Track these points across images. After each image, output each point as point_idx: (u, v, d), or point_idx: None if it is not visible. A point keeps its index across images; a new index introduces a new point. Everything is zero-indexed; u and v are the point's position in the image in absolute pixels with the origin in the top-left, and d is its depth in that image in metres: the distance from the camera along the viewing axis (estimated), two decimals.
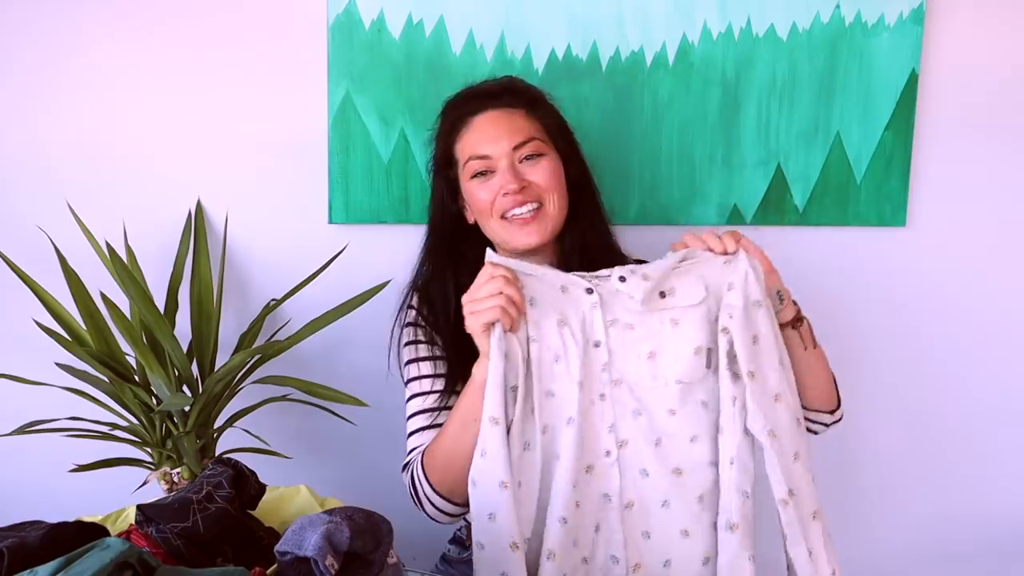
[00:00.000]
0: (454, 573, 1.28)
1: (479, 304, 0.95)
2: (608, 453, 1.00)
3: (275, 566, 0.80)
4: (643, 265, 1.01)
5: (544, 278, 0.99)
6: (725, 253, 1.01)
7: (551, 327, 0.99)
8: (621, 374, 1.00)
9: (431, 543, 1.35)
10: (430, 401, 1.12)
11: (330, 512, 0.83)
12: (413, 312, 1.19)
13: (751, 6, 1.37)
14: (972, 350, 1.53)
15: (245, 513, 0.94)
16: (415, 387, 1.14)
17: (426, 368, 1.14)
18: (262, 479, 0.98)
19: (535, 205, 1.10)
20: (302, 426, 1.42)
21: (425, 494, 1.05)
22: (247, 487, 0.94)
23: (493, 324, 0.96)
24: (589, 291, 0.99)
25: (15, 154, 1.38)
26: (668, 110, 1.40)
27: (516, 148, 1.09)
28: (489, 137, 1.10)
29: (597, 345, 0.99)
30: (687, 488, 1.01)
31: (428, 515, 1.07)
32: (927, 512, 1.59)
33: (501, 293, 0.95)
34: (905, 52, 1.39)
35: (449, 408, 1.10)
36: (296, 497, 1.07)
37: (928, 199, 1.46)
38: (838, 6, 1.37)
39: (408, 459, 1.11)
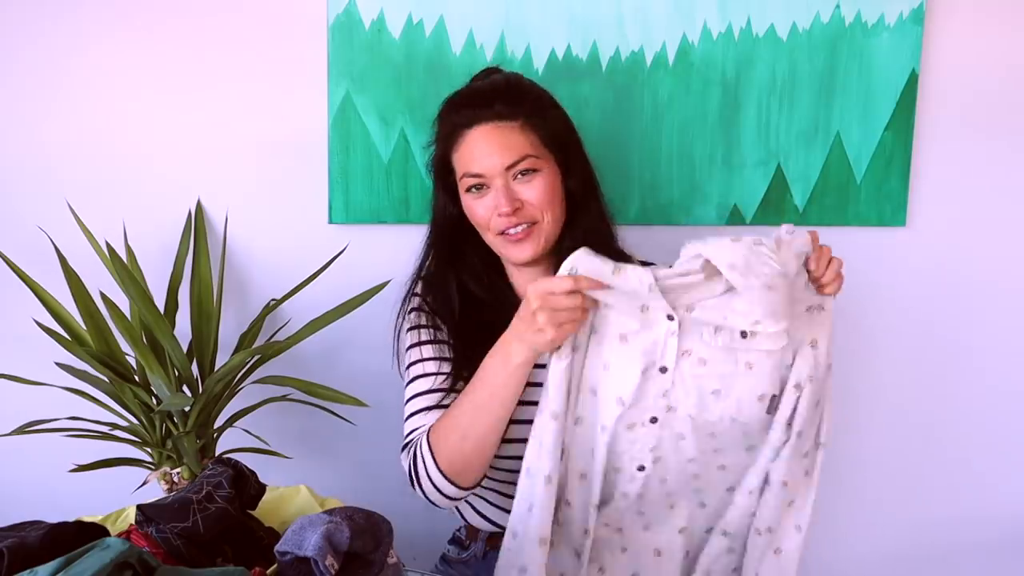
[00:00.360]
0: (454, 573, 1.28)
1: (558, 316, 0.91)
2: (642, 468, 1.01)
3: (275, 566, 0.81)
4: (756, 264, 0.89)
5: (628, 292, 0.92)
6: (819, 285, 0.96)
7: (613, 339, 0.95)
8: (678, 403, 0.97)
9: (431, 543, 1.35)
10: (435, 383, 1.11)
11: (330, 512, 0.83)
12: (417, 299, 1.19)
13: (751, 6, 1.37)
14: (972, 350, 1.53)
15: (245, 513, 0.94)
16: (417, 369, 1.13)
17: (429, 351, 1.14)
18: (262, 479, 0.98)
19: (529, 224, 1.10)
20: (302, 426, 1.42)
21: (428, 474, 1.03)
22: (247, 487, 0.94)
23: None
24: (670, 317, 0.93)
25: (15, 154, 1.38)
26: (668, 110, 1.40)
27: (509, 167, 1.08)
28: (482, 154, 1.08)
29: (664, 371, 0.95)
30: (696, 491, 1.05)
31: (425, 495, 1.05)
32: (926, 513, 1.59)
33: (579, 308, 0.91)
34: (905, 52, 1.39)
35: (456, 391, 1.09)
36: (296, 497, 1.07)
37: (928, 199, 1.46)
38: (838, 6, 1.37)
39: (409, 439, 1.09)
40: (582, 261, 0.90)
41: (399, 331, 1.21)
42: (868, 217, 1.44)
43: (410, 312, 1.19)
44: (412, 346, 1.16)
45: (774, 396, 0.97)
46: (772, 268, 0.89)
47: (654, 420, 0.98)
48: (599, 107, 1.39)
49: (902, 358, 1.53)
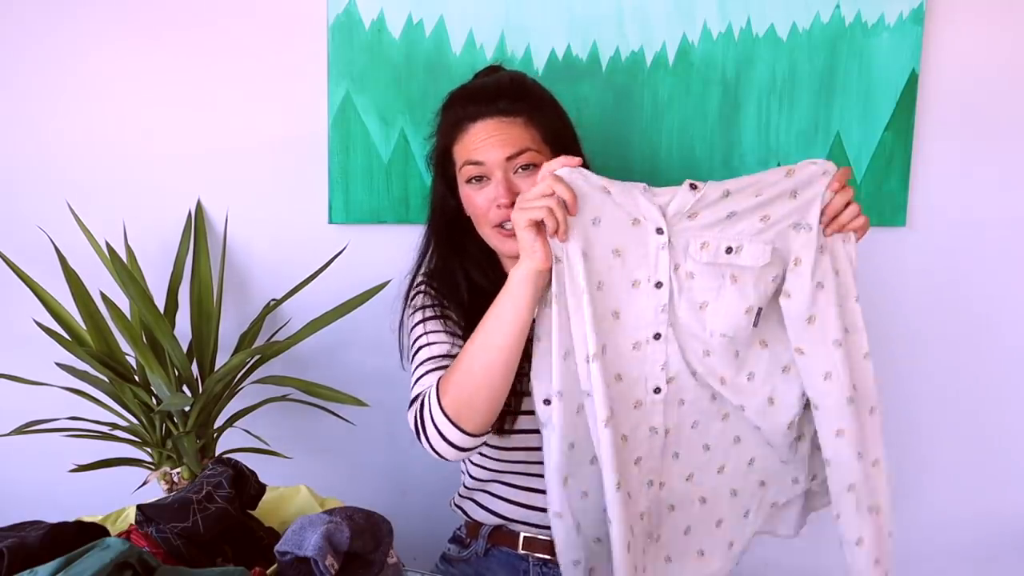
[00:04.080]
0: (454, 573, 1.28)
1: (528, 202, 0.95)
2: (657, 390, 1.03)
3: (275, 566, 0.81)
4: (734, 181, 0.97)
5: (619, 202, 0.97)
6: (830, 225, 0.99)
7: (605, 253, 0.98)
8: (675, 318, 1.01)
9: (431, 543, 1.35)
10: (445, 349, 1.11)
11: (330, 512, 0.83)
12: (423, 286, 1.19)
13: (751, 6, 1.37)
14: (972, 350, 1.53)
15: (245, 513, 0.94)
16: (423, 341, 1.13)
17: (435, 326, 1.14)
18: (262, 479, 0.98)
19: None
20: (302, 426, 1.42)
21: (432, 418, 1.02)
22: (247, 487, 0.94)
23: (540, 224, 0.95)
24: (659, 231, 0.98)
25: (15, 154, 1.38)
26: (668, 110, 1.40)
27: (510, 159, 1.09)
28: (484, 145, 1.09)
29: (659, 286, 1.00)
30: (715, 411, 1.07)
31: (431, 444, 1.03)
32: (927, 511, 1.59)
33: (553, 194, 0.94)
34: (905, 52, 1.39)
35: None
36: (296, 497, 1.07)
37: (928, 199, 1.46)
38: (838, 6, 1.37)
39: (416, 395, 1.08)
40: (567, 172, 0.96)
41: (403, 325, 1.20)
42: (868, 217, 1.44)
43: (415, 297, 1.19)
44: (418, 323, 1.16)
45: (760, 309, 1.01)
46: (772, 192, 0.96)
47: (657, 336, 1.01)
48: (599, 107, 1.39)
49: (902, 358, 1.53)
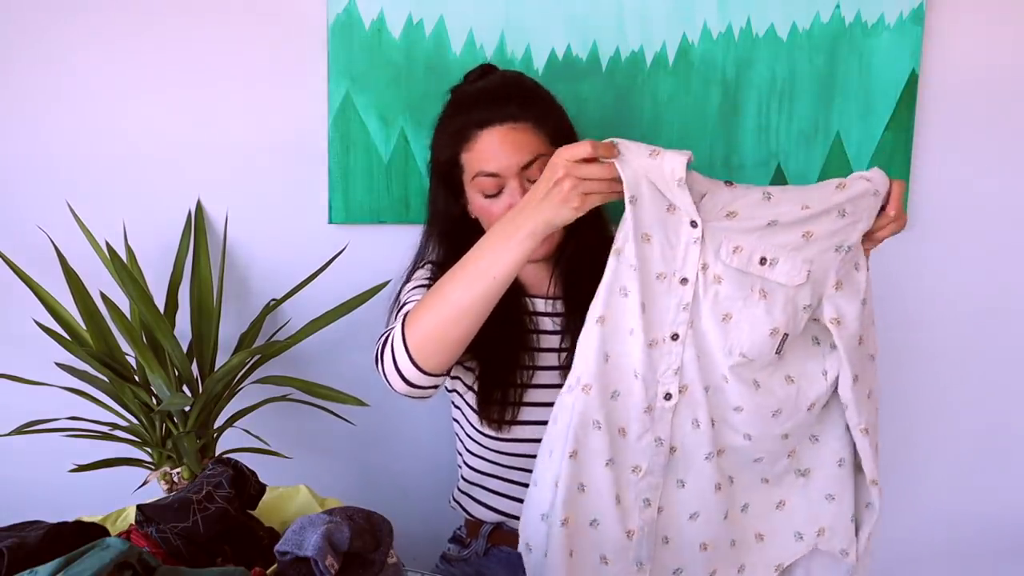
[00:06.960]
0: (455, 571, 1.28)
1: (586, 185, 0.89)
2: (668, 396, 0.96)
3: (275, 566, 0.81)
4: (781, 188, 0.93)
5: (662, 186, 0.91)
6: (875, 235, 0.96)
7: (638, 237, 0.93)
8: (698, 323, 0.95)
9: (431, 543, 1.35)
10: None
11: (330, 512, 0.83)
12: (428, 270, 1.18)
13: (751, 6, 1.37)
14: (972, 350, 1.53)
15: (245, 513, 0.94)
16: (416, 295, 1.12)
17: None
18: (262, 479, 0.98)
19: None
20: (302, 426, 1.42)
21: (392, 347, 1.00)
22: (247, 487, 0.94)
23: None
24: (694, 224, 0.92)
25: (15, 154, 1.38)
26: (668, 110, 1.40)
27: (524, 168, 1.08)
28: (498, 154, 1.08)
29: (684, 282, 0.94)
30: (740, 450, 1.00)
31: (384, 374, 1.02)
32: (928, 511, 1.59)
33: (608, 180, 0.89)
34: (905, 52, 1.39)
35: None
36: (296, 497, 1.07)
37: (928, 199, 1.46)
38: (838, 6, 1.37)
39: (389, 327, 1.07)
40: (621, 140, 0.90)
41: (398, 300, 1.19)
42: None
43: (419, 270, 1.19)
44: (415, 288, 1.15)
45: (786, 335, 0.95)
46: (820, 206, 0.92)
47: (675, 337, 0.95)
48: (599, 107, 1.38)
49: (901, 358, 1.53)
